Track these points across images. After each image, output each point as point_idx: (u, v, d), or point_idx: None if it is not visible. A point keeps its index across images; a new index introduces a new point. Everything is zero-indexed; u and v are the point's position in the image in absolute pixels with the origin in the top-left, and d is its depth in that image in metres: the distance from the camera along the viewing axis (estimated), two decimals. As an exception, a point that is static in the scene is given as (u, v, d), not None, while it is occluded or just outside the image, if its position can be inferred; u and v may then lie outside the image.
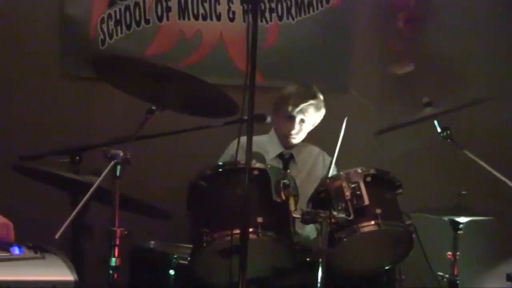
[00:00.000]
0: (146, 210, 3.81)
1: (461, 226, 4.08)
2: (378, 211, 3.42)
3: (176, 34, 5.27)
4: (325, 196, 3.53)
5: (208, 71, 5.23)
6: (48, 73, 5.15)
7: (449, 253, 4.09)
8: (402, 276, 3.83)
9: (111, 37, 5.15)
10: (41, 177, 3.82)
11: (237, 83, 5.25)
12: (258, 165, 3.44)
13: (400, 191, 3.67)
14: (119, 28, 5.17)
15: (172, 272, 3.72)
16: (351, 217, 3.36)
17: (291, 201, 3.37)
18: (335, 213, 3.31)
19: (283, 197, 3.36)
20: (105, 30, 5.14)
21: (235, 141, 4.49)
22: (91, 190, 3.01)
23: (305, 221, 3.33)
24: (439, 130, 4.05)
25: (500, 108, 5.23)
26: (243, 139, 4.42)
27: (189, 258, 3.51)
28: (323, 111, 4.56)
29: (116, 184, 3.17)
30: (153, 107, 3.40)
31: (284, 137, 4.55)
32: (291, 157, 4.61)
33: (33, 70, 5.11)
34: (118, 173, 3.16)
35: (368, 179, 3.51)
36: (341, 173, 3.54)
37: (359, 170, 3.52)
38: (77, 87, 5.15)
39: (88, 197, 3.01)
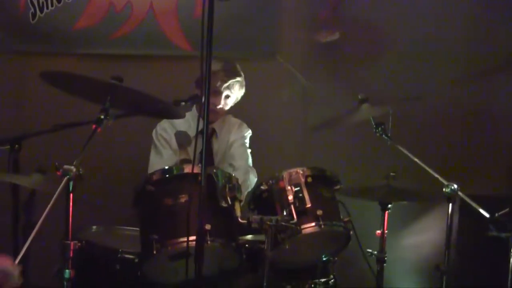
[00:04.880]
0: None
1: (389, 206, 4.22)
2: (319, 212, 3.56)
3: (106, 7, 5.25)
4: (267, 197, 3.67)
5: (139, 42, 5.28)
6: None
7: (378, 231, 4.24)
8: (335, 257, 4.01)
9: (41, 10, 5.09)
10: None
11: (168, 53, 5.38)
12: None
13: (338, 187, 3.83)
14: (49, 1, 5.09)
15: (118, 267, 3.80)
16: (295, 220, 3.50)
17: (237, 207, 3.48)
18: (280, 220, 3.43)
19: (229, 202, 3.46)
20: (36, 3, 5.07)
21: (162, 123, 4.61)
22: (45, 212, 3.06)
23: (252, 229, 3.44)
24: (374, 126, 4.16)
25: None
26: (163, 123, 4.61)
27: (136, 260, 3.63)
28: (244, 89, 4.74)
29: (69, 199, 3.21)
30: (101, 116, 3.42)
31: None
32: (213, 131, 4.75)
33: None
34: (71, 189, 3.21)
35: (309, 179, 3.65)
36: (283, 174, 3.64)
37: (300, 171, 3.65)
38: (10, 62, 5.09)
39: (42, 220, 3.04)
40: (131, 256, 3.77)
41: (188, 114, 4.62)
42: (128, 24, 5.28)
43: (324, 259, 3.92)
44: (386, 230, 4.22)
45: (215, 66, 4.56)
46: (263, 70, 5.37)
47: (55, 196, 3.10)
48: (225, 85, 4.60)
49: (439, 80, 5.54)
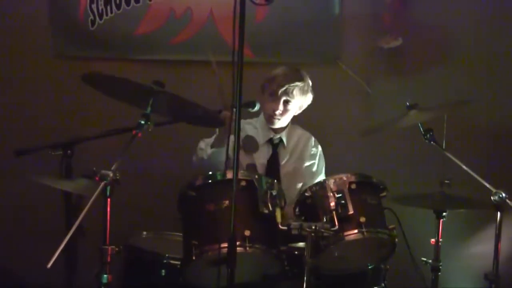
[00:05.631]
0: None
1: (444, 214, 4.13)
2: (362, 219, 3.50)
3: (166, 12, 5.27)
4: (311, 203, 3.63)
5: (199, 48, 5.27)
6: (39, 54, 5.19)
7: (433, 239, 4.15)
8: (387, 265, 3.97)
9: (101, 17, 5.17)
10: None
11: (228, 59, 5.36)
12: (245, 176, 3.48)
13: (384, 194, 3.76)
14: (108, 8, 5.17)
15: (163, 272, 3.84)
16: (336, 227, 3.45)
17: (278, 213, 3.44)
18: (320, 227, 3.39)
19: (270, 208, 3.43)
20: (95, 10, 5.14)
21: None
22: (82, 214, 3.08)
23: (293, 236, 3.41)
24: (422, 132, 4.08)
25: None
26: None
27: (179, 266, 3.62)
28: (310, 96, 4.64)
29: (107, 204, 3.24)
30: (141, 121, 3.44)
31: (268, 118, 4.62)
32: (281, 141, 4.68)
33: (23, 52, 5.16)
34: (108, 193, 3.24)
35: (353, 186, 3.59)
36: (327, 181, 3.61)
37: (344, 178, 3.60)
38: (69, 67, 5.19)
39: (78, 222, 3.07)
40: (176, 262, 3.77)
41: (255, 121, 4.69)
42: (187, 29, 5.29)
43: (369, 266, 3.85)
44: (441, 238, 4.13)
45: (277, 71, 4.56)
46: (324, 75, 5.31)
47: (91, 201, 3.12)
48: (282, 89, 4.49)
49: (494, 84, 5.43)
